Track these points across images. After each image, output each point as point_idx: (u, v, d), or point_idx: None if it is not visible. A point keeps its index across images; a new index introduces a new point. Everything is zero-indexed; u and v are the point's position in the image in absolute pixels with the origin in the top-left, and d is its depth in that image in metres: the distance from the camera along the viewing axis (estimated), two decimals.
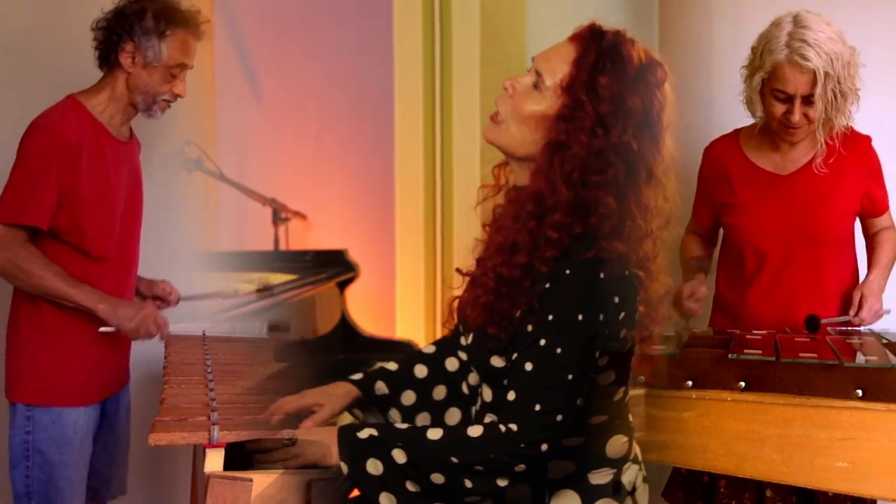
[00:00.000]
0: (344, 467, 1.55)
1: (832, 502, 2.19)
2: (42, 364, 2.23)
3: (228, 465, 1.59)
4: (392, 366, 1.83)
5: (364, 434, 1.56)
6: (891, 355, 2.01)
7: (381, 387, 1.80)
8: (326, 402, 1.75)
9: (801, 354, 1.98)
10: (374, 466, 1.53)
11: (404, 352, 3.06)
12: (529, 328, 1.53)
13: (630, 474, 1.66)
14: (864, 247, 2.52)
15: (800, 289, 2.38)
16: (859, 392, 1.91)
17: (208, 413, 1.76)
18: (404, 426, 1.69)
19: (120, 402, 2.43)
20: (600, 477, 1.63)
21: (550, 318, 1.51)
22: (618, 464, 1.65)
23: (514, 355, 1.55)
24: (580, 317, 1.51)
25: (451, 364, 1.81)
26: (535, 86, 1.59)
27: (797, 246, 2.37)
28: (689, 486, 2.33)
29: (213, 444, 1.63)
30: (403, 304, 3.38)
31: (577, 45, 1.58)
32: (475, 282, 1.65)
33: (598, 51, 1.56)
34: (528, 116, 1.58)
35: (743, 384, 2.01)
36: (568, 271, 1.52)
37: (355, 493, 1.70)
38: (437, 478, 1.52)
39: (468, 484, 1.51)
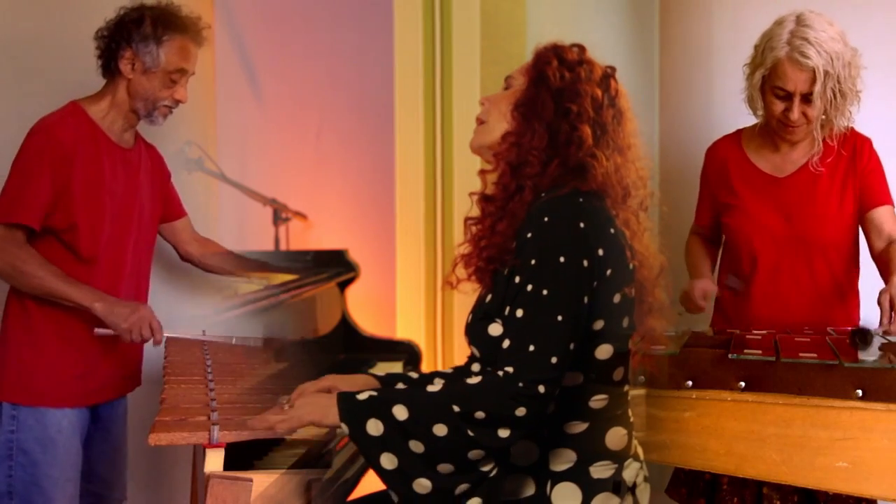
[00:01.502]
0: (344, 428, 1.57)
1: (832, 501, 2.19)
2: (28, 364, 2.25)
3: (228, 465, 1.60)
4: (413, 374, 1.87)
5: (363, 395, 1.60)
6: (892, 355, 2.01)
7: (401, 387, 1.82)
8: (345, 387, 1.76)
9: (801, 354, 1.98)
10: (374, 427, 1.55)
11: (405, 352, 3.06)
12: (517, 279, 1.58)
13: (631, 471, 1.68)
14: (877, 257, 2.39)
15: (794, 291, 2.38)
16: (859, 392, 1.91)
17: (208, 413, 1.76)
18: (402, 387, 1.73)
19: (115, 407, 2.43)
20: (601, 471, 1.64)
21: (533, 262, 1.57)
22: (619, 459, 1.67)
23: (507, 309, 1.59)
24: (562, 259, 1.55)
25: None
26: (507, 87, 1.75)
27: (789, 248, 2.36)
28: (692, 483, 2.34)
29: (213, 444, 1.63)
30: (404, 304, 3.38)
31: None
32: (470, 238, 1.73)
33: (557, 44, 1.72)
34: (505, 106, 1.71)
35: (743, 384, 2.01)
36: (546, 218, 1.58)
37: (355, 493, 1.70)
38: (440, 429, 1.53)
39: (470, 433, 1.52)
